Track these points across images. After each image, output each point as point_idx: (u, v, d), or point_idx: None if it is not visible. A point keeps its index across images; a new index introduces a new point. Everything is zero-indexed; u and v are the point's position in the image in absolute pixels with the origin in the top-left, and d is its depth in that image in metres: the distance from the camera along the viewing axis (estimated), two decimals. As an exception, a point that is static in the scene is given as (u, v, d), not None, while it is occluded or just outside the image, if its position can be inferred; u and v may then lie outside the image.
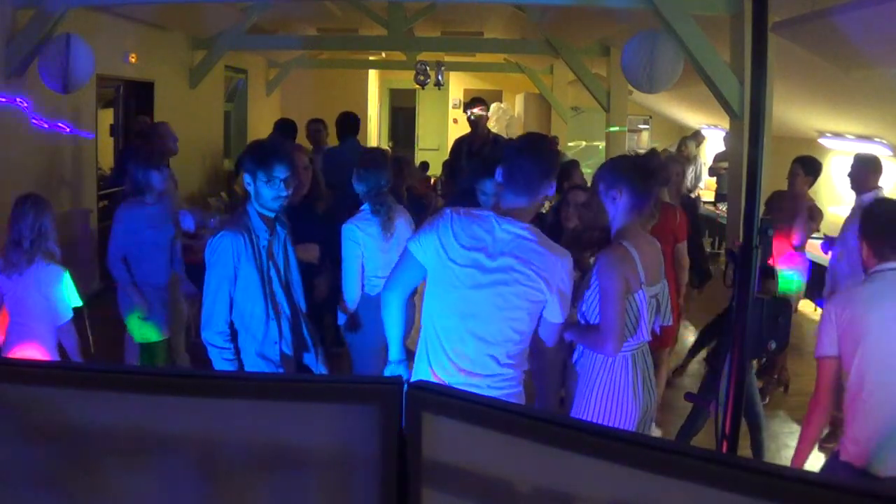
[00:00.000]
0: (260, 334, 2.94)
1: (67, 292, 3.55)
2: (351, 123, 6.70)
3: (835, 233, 5.20)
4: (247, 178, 2.93)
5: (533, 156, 2.46)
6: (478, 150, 6.19)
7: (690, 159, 8.58)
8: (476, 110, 6.32)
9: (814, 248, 5.91)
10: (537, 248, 2.41)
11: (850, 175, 4.78)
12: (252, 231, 2.92)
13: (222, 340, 2.88)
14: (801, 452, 2.78)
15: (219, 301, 2.87)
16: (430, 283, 2.49)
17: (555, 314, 2.46)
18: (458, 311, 2.42)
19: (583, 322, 2.72)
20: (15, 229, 3.52)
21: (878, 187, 4.66)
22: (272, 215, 3.00)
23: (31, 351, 3.51)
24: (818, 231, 5.57)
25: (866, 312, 2.63)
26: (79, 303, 3.61)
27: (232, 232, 2.87)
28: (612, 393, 2.65)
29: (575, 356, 2.80)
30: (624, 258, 2.58)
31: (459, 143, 6.68)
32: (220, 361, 2.88)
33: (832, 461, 2.79)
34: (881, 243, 2.68)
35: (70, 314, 3.56)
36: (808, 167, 5.21)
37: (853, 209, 4.74)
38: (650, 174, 2.73)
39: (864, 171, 4.67)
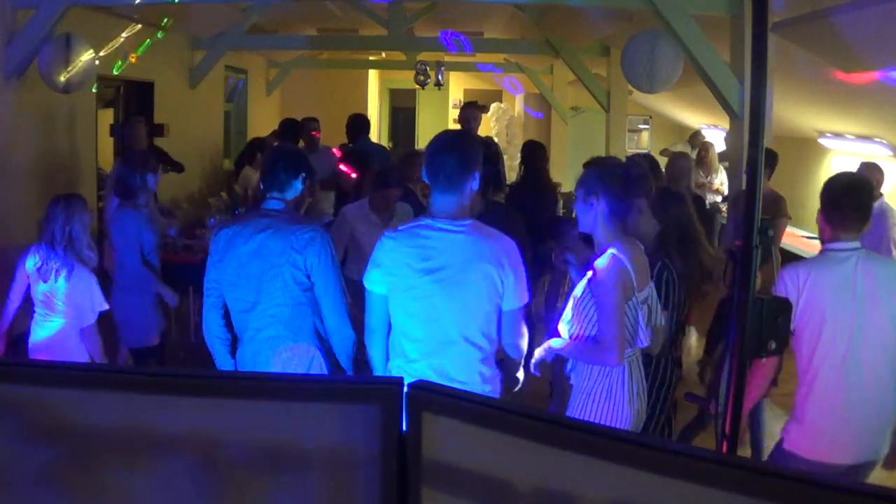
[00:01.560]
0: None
1: (94, 296, 3.58)
2: (362, 124, 7.01)
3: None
4: (301, 180, 2.96)
5: (451, 153, 2.47)
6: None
7: (713, 167, 7.99)
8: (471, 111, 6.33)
9: (800, 243, 5.90)
10: (482, 238, 2.44)
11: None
12: None
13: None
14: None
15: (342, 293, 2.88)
16: (392, 308, 2.50)
17: (511, 301, 2.47)
18: (423, 320, 2.44)
19: (573, 335, 2.67)
20: (47, 232, 3.56)
21: (880, 194, 4.67)
22: None
23: (56, 350, 3.57)
24: (790, 219, 5.51)
25: (824, 298, 2.65)
26: (105, 306, 3.62)
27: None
28: (608, 401, 2.63)
29: (568, 366, 2.77)
30: (621, 267, 2.56)
31: None
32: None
33: (777, 451, 2.83)
34: (835, 217, 2.70)
35: (94, 318, 3.57)
36: (766, 160, 5.20)
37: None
38: (630, 182, 2.65)
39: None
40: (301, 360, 2.86)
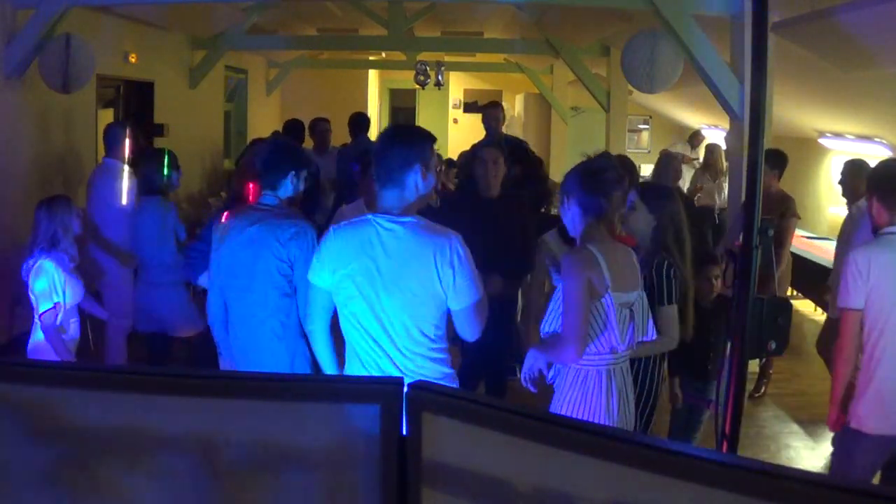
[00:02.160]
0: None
1: (50, 288, 3.59)
2: (363, 123, 7.17)
3: (834, 233, 5.20)
4: (291, 178, 3.01)
5: (392, 146, 2.45)
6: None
7: (720, 171, 7.70)
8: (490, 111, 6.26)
9: (801, 243, 5.89)
10: (422, 235, 2.38)
11: (840, 182, 4.79)
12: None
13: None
14: (834, 400, 2.94)
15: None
16: (339, 299, 2.48)
17: (460, 299, 2.40)
18: (368, 316, 2.41)
19: (547, 332, 2.63)
20: (32, 236, 3.69)
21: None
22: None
23: (42, 351, 3.62)
24: (799, 218, 5.51)
25: (887, 278, 2.77)
26: (57, 298, 3.61)
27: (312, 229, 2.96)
28: (583, 408, 2.57)
29: (551, 373, 2.70)
30: (588, 261, 2.50)
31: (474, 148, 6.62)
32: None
33: (844, 432, 2.94)
34: (892, 201, 2.81)
35: (42, 307, 3.58)
36: (774, 161, 5.19)
37: (851, 216, 4.72)
38: (593, 175, 2.59)
39: (856, 178, 4.65)
40: (287, 349, 2.98)
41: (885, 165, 3.04)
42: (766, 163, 5.14)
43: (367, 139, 7.18)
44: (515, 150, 5.71)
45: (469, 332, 2.48)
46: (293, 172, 3.03)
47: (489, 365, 4.16)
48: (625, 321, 2.58)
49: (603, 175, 2.58)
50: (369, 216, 2.45)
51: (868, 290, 2.77)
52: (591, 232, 2.59)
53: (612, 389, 2.57)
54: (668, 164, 5.57)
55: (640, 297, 2.66)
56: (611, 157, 3.00)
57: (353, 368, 2.51)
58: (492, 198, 4.21)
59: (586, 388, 2.57)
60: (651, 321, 2.70)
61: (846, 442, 2.95)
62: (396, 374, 2.39)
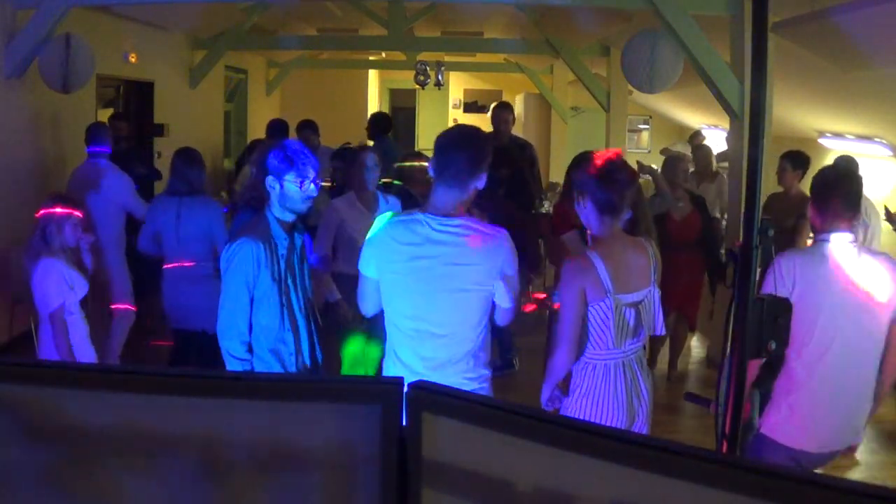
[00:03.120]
0: (274, 346, 2.84)
1: (55, 286, 3.60)
2: (384, 124, 7.17)
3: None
4: (270, 179, 2.78)
5: (464, 148, 2.44)
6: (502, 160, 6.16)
7: (710, 174, 7.33)
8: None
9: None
10: (474, 237, 2.41)
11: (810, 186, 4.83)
12: (271, 238, 2.80)
13: (243, 351, 2.77)
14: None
15: (239, 309, 2.75)
16: (384, 294, 2.50)
17: (503, 299, 2.48)
18: (412, 315, 2.45)
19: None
20: (38, 226, 3.69)
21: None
22: (292, 220, 2.88)
23: (42, 350, 3.64)
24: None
25: (816, 288, 2.66)
26: (61, 301, 3.61)
27: (252, 239, 2.74)
28: (592, 399, 2.60)
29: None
30: (584, 269, 2.54)
31: None
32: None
33: (755, 439, 2.80)
34: (827, 208, 2.72)
35: (47, 308, 3.58)
36: (796, 162, 5.22)
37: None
38: (610, 174, 2.60)
39: None
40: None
41: (821, 172, 2.91)
42: (790, 164, 5.19)
43: (389, 141, 7.09)
44: (508, 151, 5.74)
45: (506, 319, 2.59)
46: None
47: None
48: (625, 322, 2.60)
49: (619, 173, 2.60)
50: (419, 215, 2.45)
51: (792, 299, 2.60)
52: (603, 231, 2.62)
53: (619, 382, 2.61)
54: (674, 165, 5.55)
55: (649, 294, 2.67)
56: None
57: (390, 366, 2.53)
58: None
59: (595, 380, 2.61)
60: (660, 316, 2.73)
61: (757, 445, 2.79)
62: (438, 373, 2.41)
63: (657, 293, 2.70)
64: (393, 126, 7.99)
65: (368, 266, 2.50)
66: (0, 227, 5.42)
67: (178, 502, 1.28)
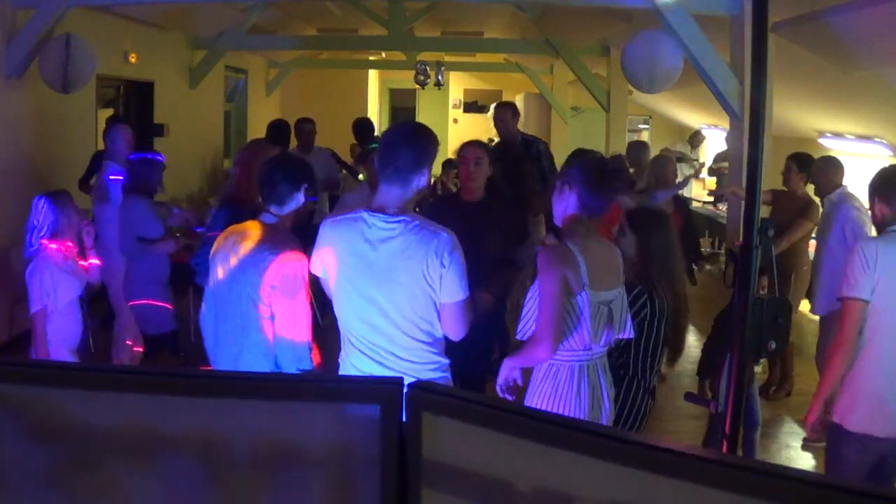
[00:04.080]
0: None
1: (40, 286, 3.60)
2: (370, 129, 7.29)
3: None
4: (300, 193, 2.83)
5: (405, 145, 2.44)
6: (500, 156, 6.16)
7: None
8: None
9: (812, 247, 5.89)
10: (415, 233, 2.41)
11: (813, 180, 4.96)
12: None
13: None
14: (820, 394, 2.91)
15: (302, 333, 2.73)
16: (334, 293, 2.52)
17: (451, 293, 2.43)
18: (360, 313, 2.46)
19: (524, 337, 2.60)
20: (29, 222, 3.71)
21: (842, 185, 4.74)
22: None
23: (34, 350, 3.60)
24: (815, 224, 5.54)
25: (891, 273, 2.75)
26: (45, 301, 3.60)
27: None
28: (552, 402, 2.55)
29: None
30: (565, 257, 2.49)
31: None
32: None
33: (829, 432, 2.91)
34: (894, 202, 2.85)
35: (34, 308, 3.59)
36: (802, 163, 5.25)
37: (826, 211, 4.85)
38: (604, 178, 2.58)
39: (825, 174, 4.83)
40: None
41: (885, 169, 3.09)
42: (796, 165, 5.22)
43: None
44: (506, 148, 5.73)
45: (454, 330, 2.51)
46: (305, 185, 2.87)
47: (468, 364, 4.07)
48: (601, 319, 2.55)
49: (614, 175, 2.59)
50: (364, 213, 2.46)
51: (874, 283, 2.76)
52: (575, 227, 2.57)
53: (582, 386, 2.56)
54: (664, 165, 5.56)
55: (620, 294, 2.64)
56: (623, 161, 3.03)
57: (347, 361, 2.55)
58: (472, 201, 4.00)
59: (557, 382, 2.56)
60: (630, 318, 2.68)
61: (832, 439, 2.91)
62: (390, 363, 2.44)
63: (625, 294, 2.68)
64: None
65: (317, 266, 2.55)
66: (0, 227, 5.42)
67: (178, 502, 1.28)
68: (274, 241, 2.73)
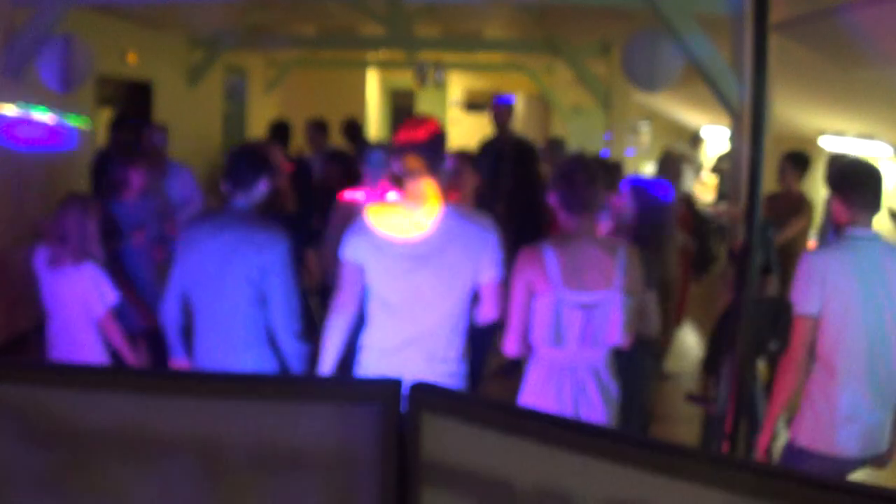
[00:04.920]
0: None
1: (103, 288, 3.63)
2: (358, 129, 7.36)
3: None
4: (263, 182, 2.96)
5: (428, 142, 2.58)
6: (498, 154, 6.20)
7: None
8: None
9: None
10: (461, 223, 2.53)
11: (827, 177, 4.87)
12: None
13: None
14: (771, 413, 2.80)
15: (295, 303, 2.92)
16: (370, 281, 2.59)
17: (487, 275, 2.55)
18: (400, 299, 2.53)
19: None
20: (59, 226, 3.63)
21: None
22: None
23: (80, 353, 3.59)
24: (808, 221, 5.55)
25: (849, 285, 2.61)
26: (114, 301, 3.65)
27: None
28: (535, 397, 2.58)
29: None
30: (531, 259, 2.55)
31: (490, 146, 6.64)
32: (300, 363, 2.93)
33: (788, 451, 2.81)
34: (856, 201, 2.65)
35: (104, 307, 3.60)
36: (796, 162, 5.27)
37: (827, 210, 4.83)
38: (571, 174, 2.63)
39: None
40: (254, 358, 2.92)
41: (840, 162, 2.87)
42: (790, 164, 5.23)
43: (367, 142, 7.31)
44: (502, 154, 5.80)
45: (490, 309, 2.60)
46: (267, 176, 3.00)
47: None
48: (571, 321, 2.52)
49: (577, 175, 2.62)
50: (407, 200, 2.58)
51: (824, 298, 2.61)
52: (564, 229, 2.65)
53: (563, 387, 2.56)
54: (669, 163, 5.60)
55: (609, 298, 2.54)
56: (592, 161, 3.06)
57: (372, 346, 2.61)
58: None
59: (538, 378, 2.60)
60: (621, 325, 2.56)
61: (789, 457, 2.78)
62: (419, 352, 2.52)
63: (622, 300, 2.55)
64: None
65: (357, 254, 2.61)
66: (0, 227, 5.42)
67: (178, 502, 1.28)
68: (257, 223, 2.93)
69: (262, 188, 2.97)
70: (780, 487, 0.95)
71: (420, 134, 2.58)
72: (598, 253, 2.58)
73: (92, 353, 3.60)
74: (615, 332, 2.56)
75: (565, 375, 2.57)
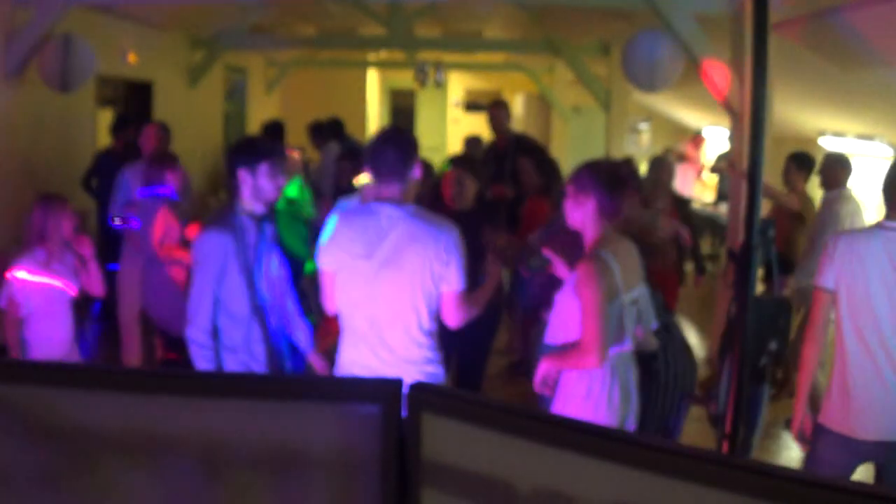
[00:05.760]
0: (244, 334, 2.95)
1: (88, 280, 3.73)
2: (339, 126, 7.47)
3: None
4: (244, 173, 2.91)
5: (395, 145, 2.66)
6: (499, 154, 6.20)
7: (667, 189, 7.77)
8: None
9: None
10: (422, 225, 2.60)
11: (820, 172, 4.98)
12: (239, 229, 2.91)
13: (205, 338, 2.88)
14: (801, 390, 2.87)
15: (204, 298, 2.87)
16: (339, 284, 2.65)
17: (451, 282, 2.61)
18: (366, 302, 2.59)
19: (553, 343, 2.70)
20: (38, 227, 3.72)
21: (845, 185, 4.75)
22: (261, 212, 2.98)
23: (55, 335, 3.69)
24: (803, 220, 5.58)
25: (870, 270, 2.68)
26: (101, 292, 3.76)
27: (219, 230, 2.88)
28: (586, 403, 2.61)
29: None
30: (604, 269, 2.56)
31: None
32: (201, 360, 2.88)
33: (815, 430, 2.86)
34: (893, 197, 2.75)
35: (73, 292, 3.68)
36: (801, 163, 5.28)
37: (821, 209, 4.91)
38: (619, 181, 2.69)
39: (835, 170, 4.88)
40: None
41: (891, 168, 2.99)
42: (795, 164, 5.25)
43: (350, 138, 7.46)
44: (503, 158, 5.81)
45: (453, 316, 2.68)
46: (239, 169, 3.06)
47: (463, 353, 4.09)
48: (631, 318, 2.66)
49: (626, 181, 2.71)
50: (374, 204, 2.66)
51: (837, 275, 2.71)
52: (605, 232, 2.67)
53: (614, 385, 2.63)
54: (660, 165, 5.59)
55: (643, 290, 2.74)
56: (631, 164, 3.11)
57: (347, 351, 2.67)
58: (461, 211, 4.07)
59: (591, 382, 2.62)
60: (653, 311, 2.79)
61: (813, 436, 2.86)
62: (390, 356, 2.59)
63: (647, 289, 2.78)
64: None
65: (330, 261, 2.68)
66: (0, 227, 5.42)
67: (178, 502, 1.28)
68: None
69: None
70: (780, 487, 0.95)
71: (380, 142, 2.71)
72: (631, 250, 2.74)
73: (63, 328, 3.70)
74: (654, 322, 2.78)
75: (616, 372, 2.65)
